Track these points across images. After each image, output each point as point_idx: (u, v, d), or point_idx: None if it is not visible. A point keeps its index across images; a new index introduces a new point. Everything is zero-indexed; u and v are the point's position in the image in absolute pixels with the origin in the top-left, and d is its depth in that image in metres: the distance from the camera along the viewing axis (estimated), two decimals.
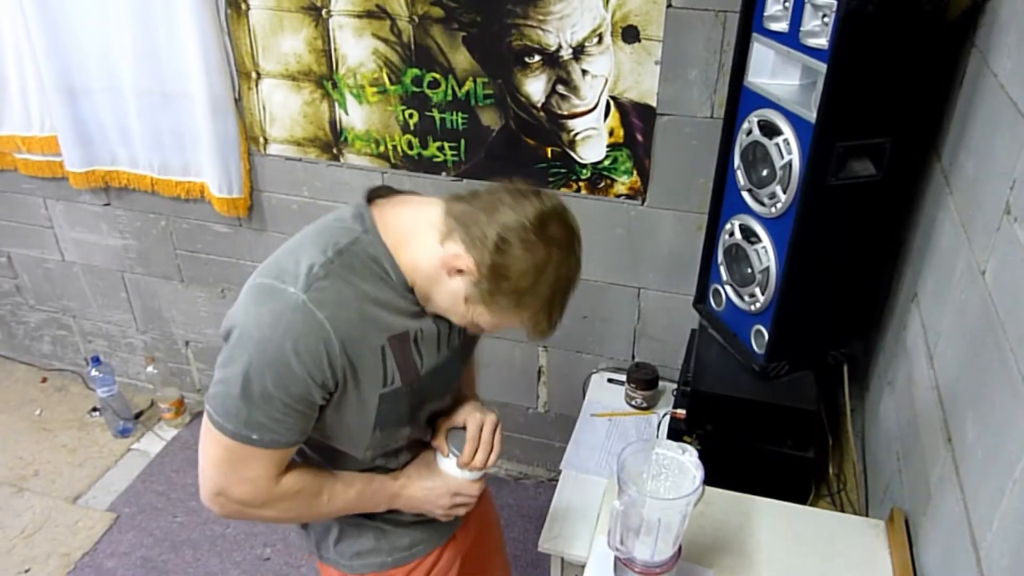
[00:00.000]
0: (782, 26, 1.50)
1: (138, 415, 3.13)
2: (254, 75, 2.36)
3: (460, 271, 1.09)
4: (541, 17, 2.00)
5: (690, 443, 1.76)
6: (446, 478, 1.32)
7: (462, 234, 1.08)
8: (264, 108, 2.41)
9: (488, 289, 1.08)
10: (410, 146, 2.30)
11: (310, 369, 1.06)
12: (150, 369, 3.03)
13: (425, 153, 2.29)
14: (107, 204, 2.79)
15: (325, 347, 1.06)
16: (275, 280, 1.08)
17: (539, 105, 2.13)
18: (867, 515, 1.70)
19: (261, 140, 2.47)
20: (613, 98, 2.06)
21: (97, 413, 3.12)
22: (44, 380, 3.34)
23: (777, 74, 1.59)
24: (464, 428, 1.33)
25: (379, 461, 1.29)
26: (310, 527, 1.39)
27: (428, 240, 1.11)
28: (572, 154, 2.17)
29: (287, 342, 1.04)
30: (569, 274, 1.12)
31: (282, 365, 1.05)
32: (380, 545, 1.36)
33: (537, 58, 2.06)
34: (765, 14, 1.54)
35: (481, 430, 1.32)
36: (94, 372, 2.93)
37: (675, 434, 1.79)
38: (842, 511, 1.74)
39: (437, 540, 1.43)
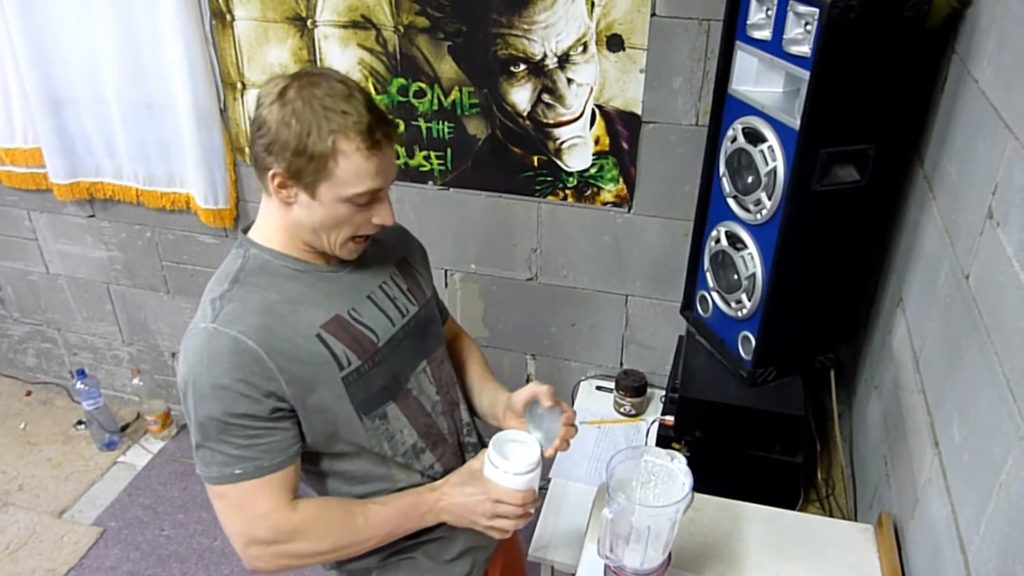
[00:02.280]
0: (765, 34, 1.51)
1: (124, 428, 3.11)
2: (239, 85, 2.35)
3: (280, 185, 1.11)
4: (526, 26, 2.01)
5: (679, 450, 1.77)
6: (487, 484, 1.23)
7: (257, 172, 1.15)
8: (250, 119, 2.39)
9: (294, 163, 1.08)
10: (396, 156, 2.30)
11: (248, 381, 1.09)
12: (136, 381, 3.01)
13: (412, 163, 2.29)
14: (92, 216, 2.78)
15: (250, 357, 1.09)
16: (192, 329, 1.14)
17: (525, 114, 2.13)
18: (856, 519, 1.70)
19: (247, 151, 2.46)
20: (598, 106, 2.07)
21: (82, 426, 3.10)
22: (28, 393, 3.31)
23: (761, 81, 1.60)
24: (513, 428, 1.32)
25: (401, 459, 1.27)
26: (346, 573, 1.37)
27: (269, 207, 1.19)
28: (558, 162, 2.18)
29: (214, 368, 1.09)
30: (328, 90, 1.08)
31: (220, 391, 1.09)
32: None
33: (522, 67, 2.07)
34: (748, 22, 1.55)
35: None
36: (79, 385, 2.91)
37: (664, 441, 1.79)
38: (831, 516, 1.74)
39: (474, 571, 1.41)
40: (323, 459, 1.25)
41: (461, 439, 1.40)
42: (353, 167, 1.09)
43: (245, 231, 1.23)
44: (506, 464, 1.21)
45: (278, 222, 1.18)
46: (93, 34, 2.34)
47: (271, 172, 1.10)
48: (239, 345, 1.09)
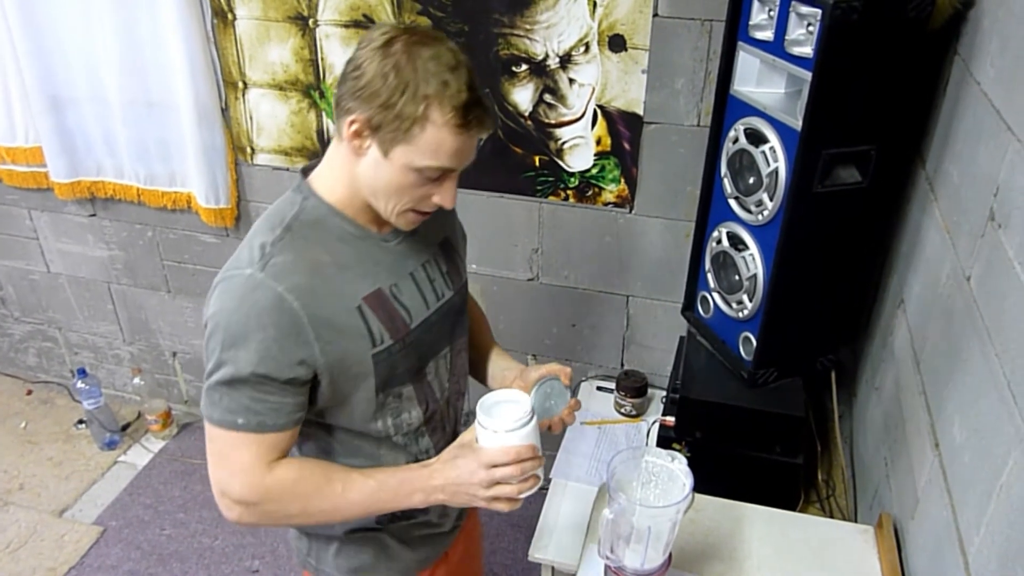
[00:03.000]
0: (767, 35, 1.51)
1: (125, 427, 3.11)
2: (241, 85, 2.35)
3: (356, 133, 1.06)
4: (528, 26, 2.01)
5: (679, 450, 1.77)
6: (478, 451, 1.14)
7: (336, 108, 1.10)
8: (251, 118, 2.40)
9: (377, 116, 1.04)
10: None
11: (282, 344, 1.07)
12: (137, 381, 3.01)
13: None
14: (93, 215, 2.78)
15: (290, 319, 1.07)
16: (234, 270, 1.10)
17: (526, 114, 2.13)
18: (856, 521, 1.70)
19: (248, 150, 2.46)
20: (600, 107, 2.07)
21: (83, 425, 3.10)
22: (29, 392, 3.31)
23: (763, 82, 1.60)
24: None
25: (398, 439, 1.26)
26: (311, 538, 1.36)
27: (337, 152, 1.14)
28: (560, 163, 2.18)
29: (251, 321, 1.06)
30: (435, 54, 1.04)
31: (250, 344, 1.06)
32: (378, 563, 1.34)
33: (524, 67, 2.07)
34: (750, 23, 1.55)
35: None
36: (80, 384, 2.91)
37: (664, 441, 1.79)
38: (831, 517, 1.74)
39: (433, 557, 1.41)
40: (315, 423, 1.23)
41: (458, 429, 1.40)
42: (436, 139, 1.04)
43: (305, 173, 1.19)
44: (494, 423, 1.12)
45: (342, 172, 1.13)
46: (94, 33, 2.35)
47: (351, 118, 1.05)
48: (283, 304, 1.06)
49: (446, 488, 1.15)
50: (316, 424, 1.22)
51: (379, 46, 1.04)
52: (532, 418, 1.15)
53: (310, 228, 1.14)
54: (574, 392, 2.44)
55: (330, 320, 1.10)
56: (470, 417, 1.43)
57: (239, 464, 1.12)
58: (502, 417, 1.13)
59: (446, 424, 1.35)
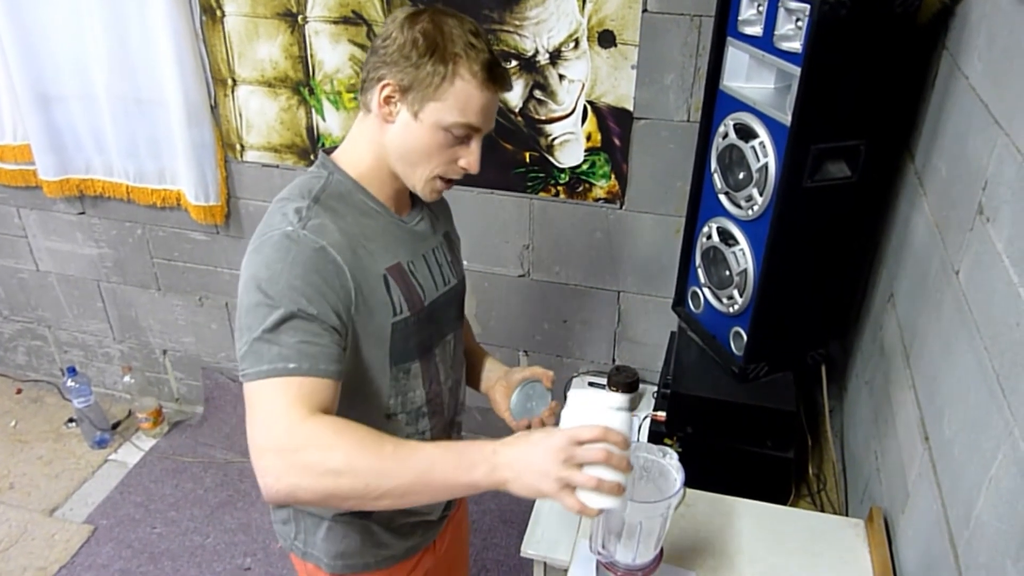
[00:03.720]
0: (756, 30, 1.51)
1: (115, 425, 3.10)
2: (230, 82, 2.34)
3: (387, 98, 1.13)
4: (517, 22, 2.01)
5: (671, 445, 1.77)
6: (559, 429, 0.99)
7: (364, 84, 1.15)
8: (240, 115, 2.39)
9: (408, 76, 1.10)
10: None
11: (322, 289, 1.07)
12: (127, 379, 3.00)
13: None
14: (82, 213, 2.76)
15: (333, 268, 1.09)
16: (273, 230, 1.10)
17: (516, 110, 2.13)
18: (847, 514, 1.71)
19: (238, 147, 2.45)
20: (590, 103, 2.07)
21: (73, 424, 3.08)
22: (19, 391, 3.29)
23: (752, 78, 1.60)
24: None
25: (401, 417, 1.26)
26: (298, 521, 1.35)
27: (362, 127, 1.19)
28: (550, 159, 2.18)
29: (296, 268, 1.07)
30: (459, 22, 1.14)
31: (298, 288, 1.06)
32: (365, 550, 1.35)
33: (514, 63, 2.06)
34: (740, 18, 1.55)
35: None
36: (70, 383, 2.89)
37: (656, 437, 1.80)
38: (822, 511, 1.75)
39: (420, 546, 1.42)
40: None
41: (455, 417, 1.41)
42: (464, 95, 1.11)
43: (328, 153, 1.23)
44: (594, 395, 0.97)
45: (368, 145, 1.18)
46: (82, 30, 2.33)
47: (383, 83, 1.11)
48: (327, 255, 1.09)
49: (514, 464, 0.98)
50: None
51: (405, 18, 1.12)
52: (627, 412, 1.00)
53: (336, 200, 1.16)
54: (564, 391, 2.44)
55: (364, 282, 1.13)
56: (463, 409, 1.44)
57: (282, 407, 1.02)
58: (597, 396, 1.01)
59: (445, 409, 1.36)
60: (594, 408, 0.97)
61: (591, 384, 2.40)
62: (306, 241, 1.08)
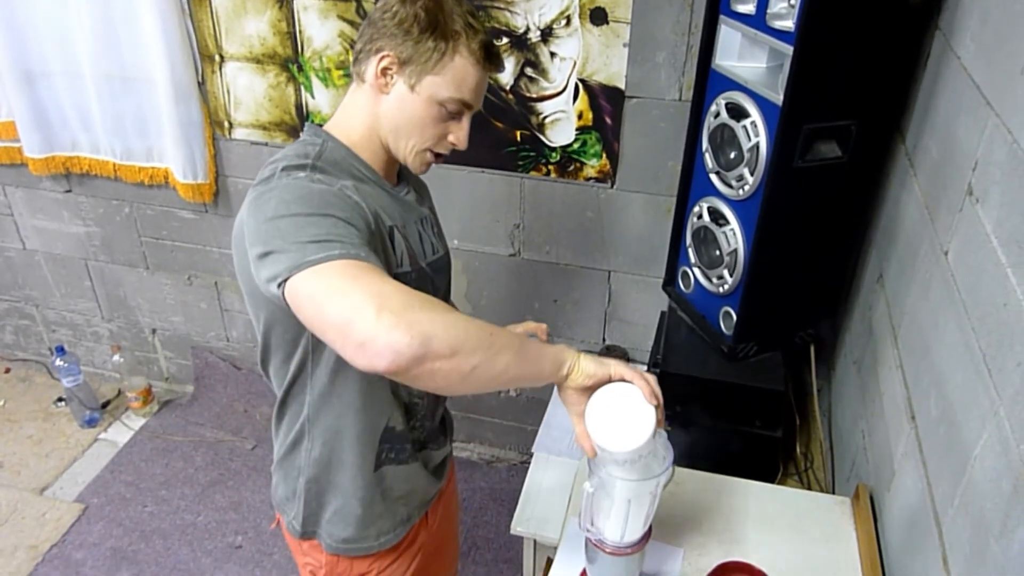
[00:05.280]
0: (749, 8, 1.50)
1: (105, 404, 3.09)
2: (217, 58, 2.32)
3: (384, 69, 1.15)
4: None
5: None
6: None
7: (360, 54, 1.17)
8: (228, 92, 2.37)
9: (408, 50, 1.13)
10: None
11: (350, 212, 1.05)
12: (116, 358, 2.98)
13: None
14: (68, 191, 2.74)
15: (353, 202, 1.08)
16: (274, 181, 1.08)
17: (508, 88, 2.12)
18: (834, 492, 1.73)
19: (226, 124, 2.43)
20: (582, 81, 2.06)
21: (63, 403, 3.07)
22: (7, 371, 3.28)
23: (744, 57, 1.59)
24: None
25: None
26: (304, 499, 1.33)
27: (355, 98, 1.21)
28: (541, 137, 2.17)
29: (322, 196, 1.05)
30: (457, 4, 1.15)
31: (332, 202, 1.04)
32: (367, 532, 1.35)
33: (505, 40, 2.05)
34: None
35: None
36: (59, 362, 2.88)
37: None
38: (809, 489, 1.77)
39: (414, 518, 1.42)
40: (336, 376, 1.21)
41: None
42: (462, 71, 1.15)
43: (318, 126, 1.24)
44: (604, 438, 1.05)
45: (361, 115, 1.20)
46: (67, 5, 2.29)
47: (382, 55, 1.14)
48: (344, 192, 1.08)
49: (584, 367, 1.08)
50: (325, 355, 1.20)
51: None
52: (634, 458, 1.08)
53: (332, 166, 1.16)
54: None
55: (378, 225, 1.13)
56: None
57: (377, 277, 0.95)
58: (609, 433, 1.07)
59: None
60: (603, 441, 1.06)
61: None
62: (321, 183, 1.08)
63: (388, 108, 1.18)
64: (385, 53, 1.14)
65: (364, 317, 0.89)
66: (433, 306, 0.95)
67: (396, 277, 1.10)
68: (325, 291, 0.93)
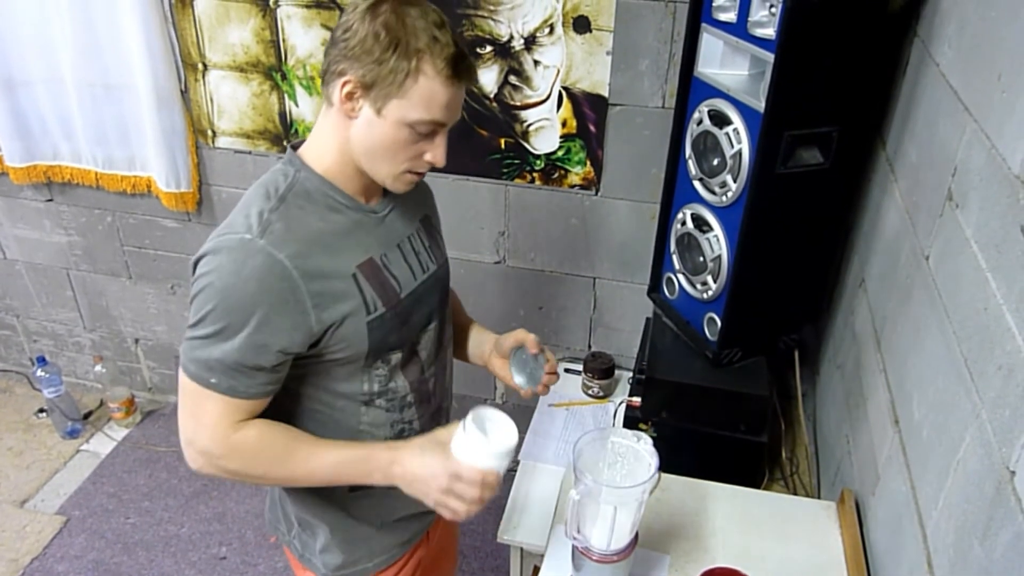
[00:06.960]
0: (730, 16, 1.51)
1: (87, 415, 3.06)
2: (201, 66, 2.31)
3: (349, 94, 1.08)
4: (492, 7, 1.99)
5: (645, 431, 1.78)
6: (450, 458, 1.12)
7: (325, 75, 1.12)
8: (212, 100, 2.36)
9: (370, 73, 1.06)
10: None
11: (279, 312, 1.07)
12: (98, 368, 2.96)
13: None
14: (50, 200, 2.71)
15: (290, 287, 1.08)
16: (232, 233, 1.09)
17: (492, 96, 2.12)
18: (819, 497, 1.73)
19: (209, 133, 2.42)
20: (565, 88, 2.07)
21: (44, 414, 3.04)
22: None
23: (726, 64, 1.60)
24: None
25: (381, 403, 1.26)
26: (293, 524, 1.36)
27: (326, 121, 1.16)
28: (526, 145, 2.17)
29: (250, 286, 1.06)
30: (422, 13, 1.08)
31: (245, 312, 1.06)
32: (360, 556, 1.35)
33: (489, 49, 2.05)
34: (714, 4, 1.55)
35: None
36: (40, 372, 2.85)
37: (631, 422, 1.81)
38: (795, 494, 1.77)
39: (413, 540, 1.42)
40: (304, 381, 1.23)
41: (443, 403, 1.41)
42: (428, 91, 1.07)
43: (295, 148, 1.20)
44: (482, 439, 1.11)
45: (333, 140, 1.15)
46: (47, 12, 2.28)
47: (344, 79, 1.07)
48: (283, 271, 1.07)
49: (404, 477, 1.15)
50: (305, 382, 1.22)
51: (366, 8, 1.07)
52: (511, 455, 1.14)
53: (303, 199, 1.15)
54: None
55: (328, 287, 1.12)
56: (451, 394, 1.44)
57: (207, 418, 1.12)
58: (491, 436, 1.13)
59: (431, 398, 1.36)
60: (482, 453, 1.10)
61: (567, 371, 2.40)
62: (264, 254, 1.06)
63: (357, 133, 1.12)
64: (347, 78, 1.07)
65: (182, 437, 1.15)
66: (245, 459, 1.15)
67: (369, 324, 1.17)
68: (182, 399, 1.14)
